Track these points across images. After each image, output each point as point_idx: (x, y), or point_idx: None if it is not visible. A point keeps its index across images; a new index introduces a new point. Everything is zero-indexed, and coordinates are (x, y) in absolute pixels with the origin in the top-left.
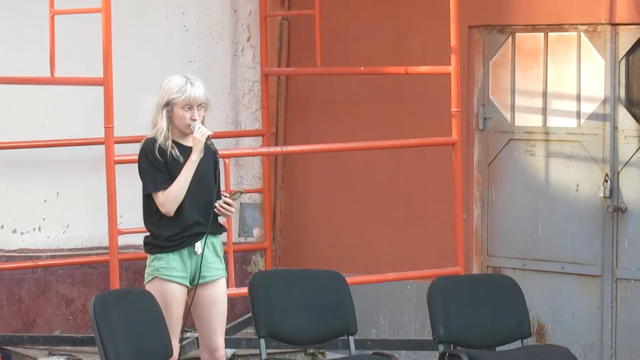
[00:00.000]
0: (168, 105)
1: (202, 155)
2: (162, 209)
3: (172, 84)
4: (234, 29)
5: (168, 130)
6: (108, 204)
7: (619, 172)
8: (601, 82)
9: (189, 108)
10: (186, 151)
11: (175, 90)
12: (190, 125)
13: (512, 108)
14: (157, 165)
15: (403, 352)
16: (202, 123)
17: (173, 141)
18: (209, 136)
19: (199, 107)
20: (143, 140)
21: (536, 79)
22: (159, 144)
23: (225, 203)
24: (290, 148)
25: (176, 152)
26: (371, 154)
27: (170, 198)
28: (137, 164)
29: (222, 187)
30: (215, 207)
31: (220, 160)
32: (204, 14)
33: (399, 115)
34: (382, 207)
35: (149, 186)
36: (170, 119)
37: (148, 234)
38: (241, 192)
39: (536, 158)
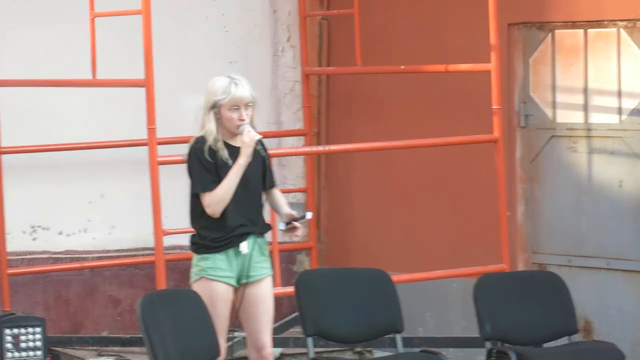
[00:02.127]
0: (215, 107)
1: (250, 159)
2: (208, 210)
3: (217, 85)
4: (273, 29)
5: (217, 132)
6: (153, 204)
7: None
8: None
9: (236, 108)
10: (236, 152)
11: (220, 91)
12: (239, 125)
13: (553, 105)
14: (205, 165)
15: (450, 349)
16: (251, 121)
17: (223, 142)
18: (258, 140)
19: (246, 106)
20: (192, 140)
21: (576, 76)
22: (209, 145)
23: (294, 228)
24: (333, 147)
25: (225, 154)
26: (413, 152)
27: (217, 200)
28: (183, 164)
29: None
30: (283, 229)
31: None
32: (244, 14)
33: (440, 113)
34: (426, 205)
35: (197, 186)
36: (218, 120)
37: (194, 233)
38: (309, 218)
39: (578, 154)
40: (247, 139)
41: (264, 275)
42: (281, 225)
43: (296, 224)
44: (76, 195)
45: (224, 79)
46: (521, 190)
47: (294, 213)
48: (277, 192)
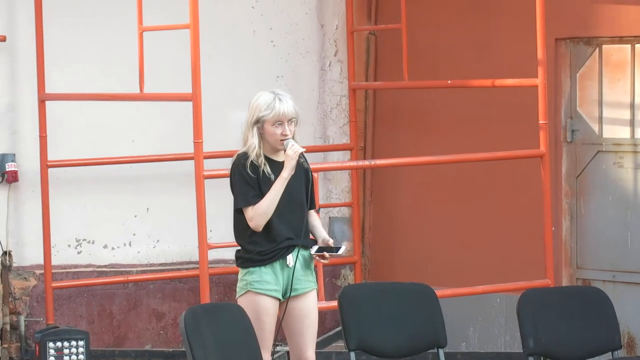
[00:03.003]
0: (258, 122)
1: (293, 172)
2: (251, 224)
3: (261, 100)
4: (321, 43)
5: (259, 147)
6: (198, 218)
7: None
8: None
9: (280, 124)
10: (278, 167)
11: (264, 107)
12: (282, 141)
13: (600, 120)
14: (248, 180)
15: None
16: (293, 137)
17: (265, 157)
18: (301, 153)
19: (289, 122)
20: (235, 155)
21: (623, 91)
22: (251, 160)
23: (322, 256)
24: (379, 162)
25: (267, 169)
26: (459, 167)
27: (259, 213)
28: (227, 179)
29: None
30: (314, 255)
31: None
32: (292, 29)
33: (486, 128)
34: (470, 220)
35: (239, 201)
36: (261, 136)
37: (239, 248)
38: (342, 253)
39: (625, 170)
40: (291, 152)
41: (308, 288)
42: (313, 249)
43: (326, 254)
44: (122, 209)
45: (268, 95)
46: (566, 205)
47: (330, 242)
48: (314, 215)
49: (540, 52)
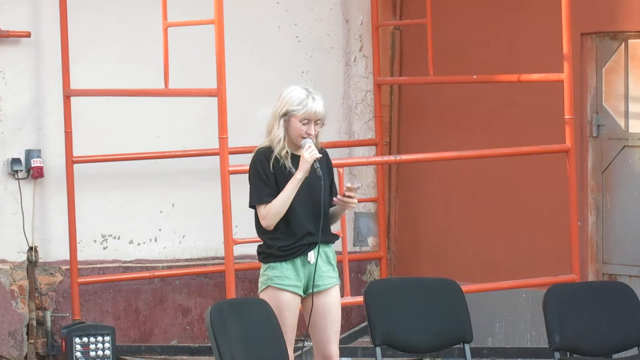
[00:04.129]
0: (286, 115)
1: (307, 175)
2: (263, 223)
3: (294, 95)
4: (346, 39)
5: (284, 140)
6: (223, 214)
7: None
8: None
9: (307, 122)
10: (298, 161)
11: (297, 102)
12: (303, 137)
13: (626, 115)
14: (263, 178)
15: None
16: (317, 137)
17: (287, 150)
18: (316, 159)
19: (316, 122)
20: (255, 150)
21: None
22: (273, 152)
23: (346, 195)
24: (404, 157)
25: (289, 162)
26: (484, 162)
27: (272, 213)
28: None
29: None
30: (334, 200)
31: (335, 170)
32: (316, 24)
33: (512, 123)
34: (496, 215)
35: (253, 198)
36: (285, 129)
37: (261, 243)
38: (358, 187)
39: None
40: (307, 155)
41: (330, 284)
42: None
43: (347, 193)
44: (147, 205)
45: (302, 91)
46: (592, 200)
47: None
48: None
49: (566, 47)
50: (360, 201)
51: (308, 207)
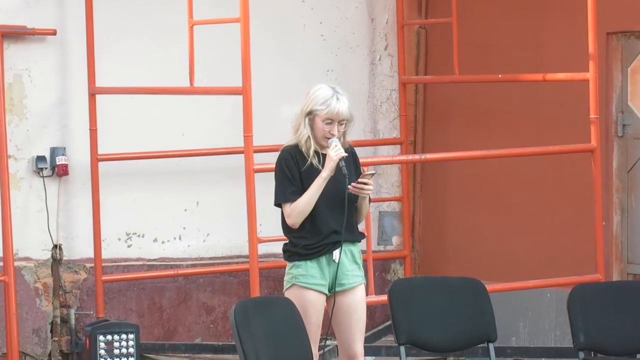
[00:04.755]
0: (310, 114)
1: (332, 174)
2: (288, 221)
3: (319, 94)
4: (371, 37)
5: (309, 139)
6: (248, 212)
7: None
8: None
9: (330, 122)
10: (324, 160)
11: (321, 101)
12: (328, 138)
13: None
14: (289, 176)
15: (543, 359)
16: (343, 138)
17: (314, 149)
18: (342, 158)
19: (340, 122)
20: (281, 148)
21: None
22: (300, 150)
23: (361, 182)
24: (429, 156)
25: (315, 161)
26: (509, 161)
27: (297, 211)
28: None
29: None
30: (349, 188)
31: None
32: (342, 23)
33: (537, 122)
34: (520, 214)
35: (279, 196)
36: (311, 127)
37: (287, 241)
38: (373, 173)
39: None
40: (333, 154)
41: (355, 283)
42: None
43: (363, 179)
44: (171, 203)
45: (328, 90)
46: (617, 200)
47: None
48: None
49: (591, 46)
50: (384, 200)
51: (333, 205)
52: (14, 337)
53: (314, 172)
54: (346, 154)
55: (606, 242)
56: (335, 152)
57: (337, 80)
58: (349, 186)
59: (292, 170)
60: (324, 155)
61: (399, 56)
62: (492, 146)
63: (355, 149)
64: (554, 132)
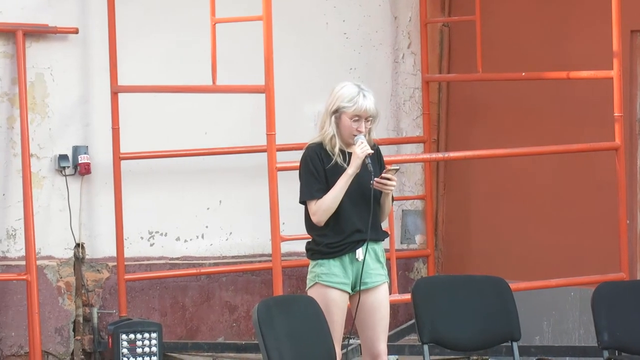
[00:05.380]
0: (337, 112)
1: (358, 170)
2: (313, 219)
3: (345, 92)
4: (394, 36)
5: (334, 137)
6: (271, 211)
7: None
8: None
9: (357, 119)
10: (349, 157)
11: (347, 99)
12: (355, 135)
13: None
14: (314, 173)
15: (567, 358)
16: (369, 134)
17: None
18: (368, 155)
19: (367, 119)
20: (306, 146)
21: None
22: (325, 149)
23: (384, 178)
24: (452, 154)
25: (340, 158)
26: (533, 159)
27: (323, 209)
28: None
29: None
30: (372, 183)
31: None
32: (365, 21)
33: (560, 120)
34: (544, 213)
35: (304, 194)
36: (336, 125)
37: (310, 240)
38: (397, 169)
39: None
40: (359, 151)
41: (379, 282)
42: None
43: (386, 174)
44: (194, 201)
45: (354, 88)
46: None
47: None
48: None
49: (615, 44)
50: (407, 199)
51: (358, 203)
52: (36, 336)
53: (339, 170)
54: (372, 151)
55: (630, 241)
56: (362, 149)
57: (360, 79)
58: (372, 181)
59: (317, 168)
60: (349, 154)
61: (422, 54)
62: (515, 144)
63: (379, 147)
64: (577, 130)
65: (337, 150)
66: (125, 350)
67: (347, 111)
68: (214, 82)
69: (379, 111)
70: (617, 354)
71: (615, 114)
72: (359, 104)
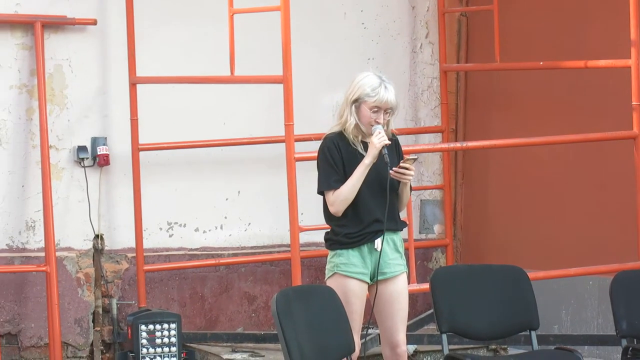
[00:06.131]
0: (357, 101)
1: (375, 160)
2: (331, 209)
3: (367, 82)
4: (412, 25)
5: (356, 126)
6: (289, 201)
7: None
8: None
9: (377, 110)
10: (367, 148)
11: (369, 89)
12: (372, 126)
13: None
14: (332, 164)
15: (586, 347)
16: (388, 126)
17: (357, 136)
18: (385, 145)
19: (386, 111)
20: (324, 136)
21: None
22: (345, 137)
23: (402, 167)
24: (471, 144)
25: (359, 148)
26: (551, 149)
27: (341, 199)
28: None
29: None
30: (390, 173)
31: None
32: (383, 11)
33: (578, 110)
34: (562, 202)
35: (322, 184)
36: (356, 114)
37: (329, 230)
38: (415, 159)
39: None
40: (376, 141)
41: (398, 272)
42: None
43: (404, 164)
44: (213, 192)
45: (375, 79)
46: None
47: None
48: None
49: (633, 32)
50: (426, 188)
51: (376, 193)
52: (56, 327)
53: (357, 160)
54: (389, 142)
55: None
56: (379, 139)
57: (377, 69)
58: (390, 171)
59: (335, 158)
60: (367, 143)
61: (440, 44)
62: (533, 134)
63: (397, 136)
64: (595, 120)
65: (359, 139)
66: (144, 341)
67: (368, 101)
68: (232, 72)
69: (399, 103)
70: (635, 342)
71: (634, 103)
72: (380, 95)
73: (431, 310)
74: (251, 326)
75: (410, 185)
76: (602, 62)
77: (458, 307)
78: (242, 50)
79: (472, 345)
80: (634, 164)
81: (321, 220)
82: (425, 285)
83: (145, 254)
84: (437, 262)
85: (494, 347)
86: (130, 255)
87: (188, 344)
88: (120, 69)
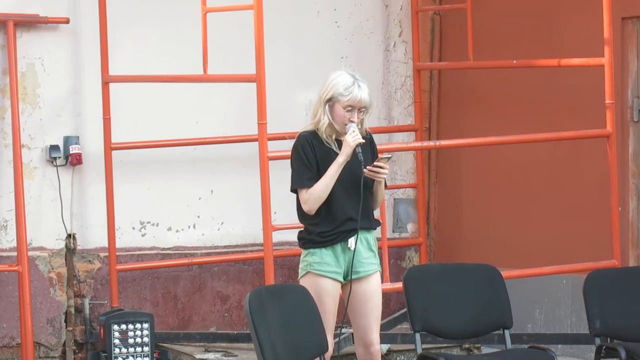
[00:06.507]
0: (331, 100)
1: (349, 159)
2: (304, 207)
3: (340, 81)
4: (385, 24)
5: (328, 125)
6: (262, 200)
7: None
8: None
9: (351, 109)
10: (340, 146)
11: (342, 88)
12: (346, 125)
13: None
14: (305, 162)
15: (559, 346)
16: (362, 125)
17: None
18: (359, 144)
19: (360, 110)
20: (298, 135)
21: None
22: (319, 136)
23: (376, 166)
24: (444, 142)
25: (333, 147)
26: (524, 147)
27: (314, 197)
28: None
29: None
30: (364, 172)
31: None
32: (356, 9)
33: (552, 108)
34: (536, 200)
35: (295, 182)
36: (329, 113)
37: (302, 229)
38: (389, 157)
39: None
40: (350, 139)
41: (371, 271)
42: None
43: (378, 162)
44: (186, 191)
45: (349, 77)
46: (633, 185)
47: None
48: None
49: (606, 31)
50: (399, 187)
51: (349, 192)
52: (28, 327)
53: (331, 159)
54: (363, 141)
55: (622, 228)
56: (353, 138)
57: (351, 67)
58: (364, 169)
59: (309, 156)
60: (341, 142)
61: (413, 42)
62: (507, 132)
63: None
64: (569, 118)
65: (332, 138)
66: (117, 341)
67: (342, 100)
68: (205, 71)
69: (372, 102)
70: (609, 341)
71: (607, 102)
72: (354, 94)
73: (404, 310)
74: (224, 326)
75: (385, 183)
76: (576, 61)
77: (431, 306)
78: (215, 49)
79: (445, 345)
80: (607, 163)
81: (294, 219)
82: (399, 284)
83: (117, 254)
84: (410, 261)
85: (467, 346)
86: (102, 254)
87: (161, 344)
88: (92, 68)
